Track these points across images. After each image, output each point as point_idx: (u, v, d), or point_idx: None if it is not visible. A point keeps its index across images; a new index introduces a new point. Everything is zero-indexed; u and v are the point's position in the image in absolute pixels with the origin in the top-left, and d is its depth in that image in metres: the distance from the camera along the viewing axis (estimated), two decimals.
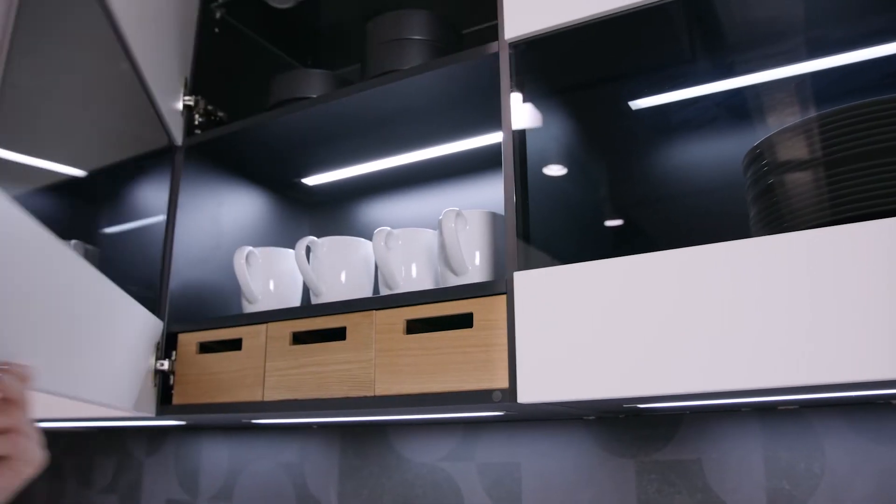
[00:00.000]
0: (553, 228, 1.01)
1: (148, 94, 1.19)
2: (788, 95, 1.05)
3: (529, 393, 0.83)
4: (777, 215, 0.84)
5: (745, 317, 0.73)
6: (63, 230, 1.21)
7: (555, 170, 1.05)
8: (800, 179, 0.82)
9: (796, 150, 0.83)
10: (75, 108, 1.13)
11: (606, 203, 1.16)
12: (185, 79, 1.31)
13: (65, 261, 0.84)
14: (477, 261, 1.02)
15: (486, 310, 0.91)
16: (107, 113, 1.18)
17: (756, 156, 0.88)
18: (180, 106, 1.30)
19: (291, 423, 1.37)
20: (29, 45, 0.85)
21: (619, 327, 0.80)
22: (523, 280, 0.87)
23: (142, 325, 1.13)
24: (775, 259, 0.73)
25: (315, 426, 1.43)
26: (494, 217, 1.05)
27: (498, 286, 0.90)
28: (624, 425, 1.13)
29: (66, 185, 1.19)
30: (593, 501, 1.13)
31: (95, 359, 0.95)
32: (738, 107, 1.11)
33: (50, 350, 0.79)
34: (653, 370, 0.77)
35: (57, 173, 1.18)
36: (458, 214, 1.02)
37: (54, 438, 1.94)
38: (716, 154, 1.11)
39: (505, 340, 0.88)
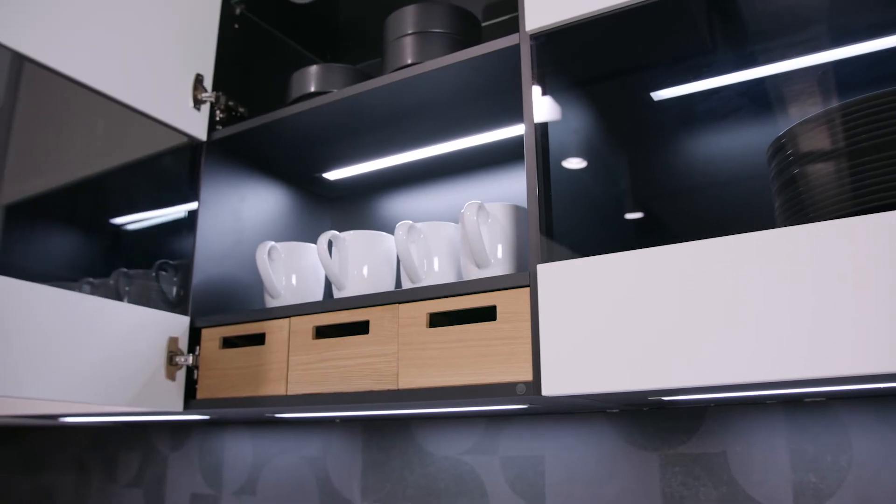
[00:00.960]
0: (573, 222, 1.00)
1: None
2: (813, 85, 1.03)
3: (554, 386, 0.83)
4: (800, 206, 0.83)
5: (770, 308, 0.73)
6: (89, 229, 1.23)
7: (574, 163, 1.04)
8: (822, 170, 0.81)
9: (819, 140, 0.82)
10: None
11: (627, 196, 1.15)
12: (200, 75, 1.31)
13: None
14: (500, 254, 1.02)
15: (510, 303, 0.90)
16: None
17: (780, 146, 0.87)
18: (191, 102, 1.30)
19: (314, 417, 1.38)
20: None
21: (644, 319, 0.79)
22: (547, 273, 0.87)
23: (140, 325, 1.14)
24: (799, 250, 0.73)
25: (338, 420, 1.43)
26: (517, 210, 1.04)
27: (521, 279, 0.90)
28: (647, 418, 1.13)
29: (89, 183, 1.20)
30: (617, 495, 1.12)
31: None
32: (762, 97, 1.10)
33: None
34: (678, 362, 0.76)
35: (79, 174, 1.19)
36: (480, 207, 1.02)
37: (79, 433, 1.96)
38: (739, 145, 1.10)
39: (528, 333, 0.88)
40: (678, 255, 0.79)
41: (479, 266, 1.01)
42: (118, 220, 1.26)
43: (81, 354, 1.05)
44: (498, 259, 1.02)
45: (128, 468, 1.79)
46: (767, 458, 1.03)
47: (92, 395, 1.06)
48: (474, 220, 0.98)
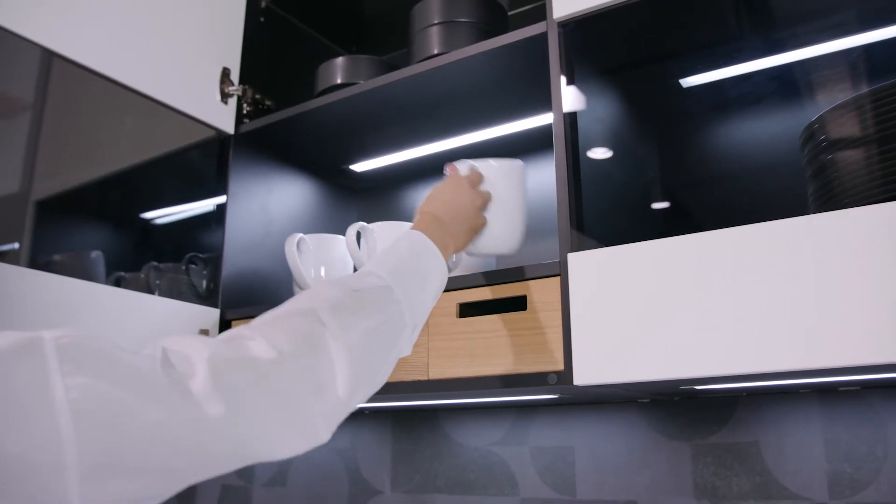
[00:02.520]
0: (598, 213, 0.99)
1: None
2: (844, 69, 1.02)
3: (586, 375, 0.83)
4: (831, 193, 0.82)
5: (802, 295, 0.72)
6: (119, 224, 1.23)
7: (600, 153, 1.04)
8: (852, 157, 0.80)
9: (849, 126, 0.81)
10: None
11: (654, 185, 1.14)
12: (226, 69, 1.31)
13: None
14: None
15: (540, 292, 0.90)
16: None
17: (811, 133, 0.86)
18: (218, 96, 1.31)
19: None
20: None
21: (676, 307, 0.79)
22: (577, 261, 0.86)
23: (171, 318, 1.15)
24: (830, 236, 0.72)
25: (367, 412, 1.43)
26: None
27: (552, 268, 0.90)
28: (678, 408, 1.12)
29: (119, 178, 1.21)
30: (648, 485, 1.12)
31: None
32: (792, 82, 1.08)
33: None
34: (711, 350, 0.76)
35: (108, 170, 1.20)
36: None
37: None
38: (769, 131, 1.09)
39: (559, 322, 0.87)
40: (710, 242, 0.78)
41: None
42: (148, 215, 1.27)
43: None
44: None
45: None
46: (801, 448, 1.02)
47: None
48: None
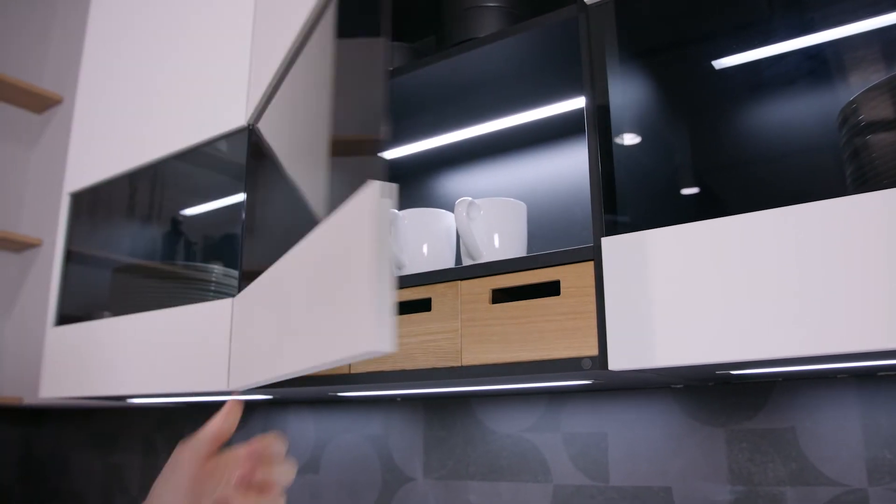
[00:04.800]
0: (629, 199, 0.99)
1: None
2: (879, 49, 1.00)
3: (620, 360, 0.82)
4: (863, 176, 0.80)
5: (842, 277, 0.71)
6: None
7: (629, 138, 1.03)
8: (886, 139, 0.78)
9: (883, 108, 0.79)
10: None
11: (686, 170, 1.13)
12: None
13: None
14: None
15: (574, 277, 0.89)
16: None
17: (846, 114, 0.85)
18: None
19: (375, 395, 1.39)
20: None
21: (711, 291, 0.78)
22: (611, 245, 0.86)
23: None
24: (868, 218, 0.70)
25: (399, 398, 1.44)
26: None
27: (585, 253, 0.89)
28: (713, 393, 1.11)
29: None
30: (683, 470, 1.11)
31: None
32: (827, 62, 1.06)
33: None
34: (748, 334, 0.75)
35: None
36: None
37: (147, 414, 2.00)
38: (805, 113, 1.07)
39: (593, 308, 0.87)
40: (746, 224, 0.77)
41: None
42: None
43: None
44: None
45: None
46: (839, 434, 1.01)
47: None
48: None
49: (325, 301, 0.65)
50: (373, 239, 0.56)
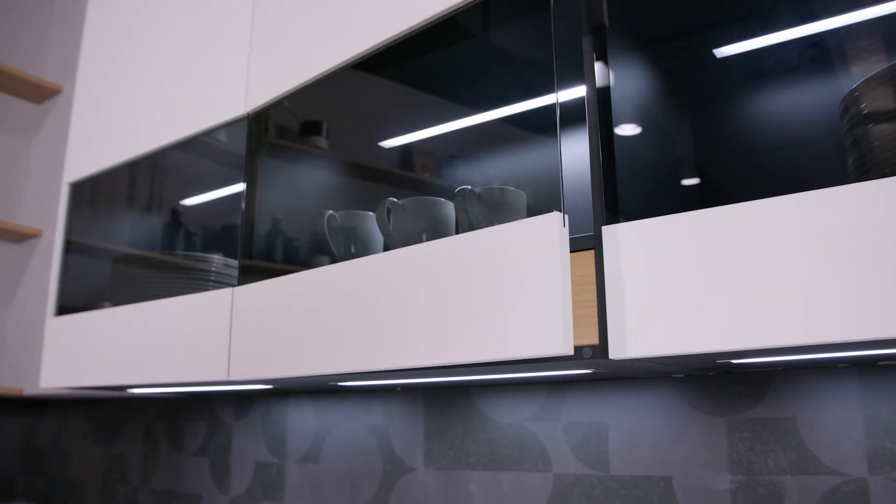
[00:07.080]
0: (628, 190, 0.98)
1: None
2: (882, 37, 0.99)
3: (621, 349, 0.82)
4: (864, 166, 0.80)
5: (843, 266, 0.71)
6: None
7: (628, 129, 1.02)
8: (885, 129, 0.78)
9: (882, 98, 0.79)
10: None
11: (687, 161, 1.12)
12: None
13: None
14: None
15: (574, 265, 0.89)
16: None
17: (846, 104, 0.84)
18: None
19: (376, 385, 1.39)
20: None
21: (712, 279, 0.78)
22: (611, 234, 0.86)
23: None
24: (870, 206, 0.70)
25: (399, 388, 1.44)
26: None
27: (585, 241, 0.89)
28: (713, 383, 1.11)
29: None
30: (683, 460, 1.11)
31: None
32: (829, 51, 1.06)
33: None
34: (750, 322, 0.75)
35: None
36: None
37: (147, 405, 2.01)
38: (807, 102, 1.07)
39: (593, 297, 0.87)
40: (747, 213, 0.77)
41: None
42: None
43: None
44: None
45: (194, 438, 1.83)
46: (839, 424, 1.01)
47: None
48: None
49: (492, 304, 0.85)
50: (562, 262, 0.82)
